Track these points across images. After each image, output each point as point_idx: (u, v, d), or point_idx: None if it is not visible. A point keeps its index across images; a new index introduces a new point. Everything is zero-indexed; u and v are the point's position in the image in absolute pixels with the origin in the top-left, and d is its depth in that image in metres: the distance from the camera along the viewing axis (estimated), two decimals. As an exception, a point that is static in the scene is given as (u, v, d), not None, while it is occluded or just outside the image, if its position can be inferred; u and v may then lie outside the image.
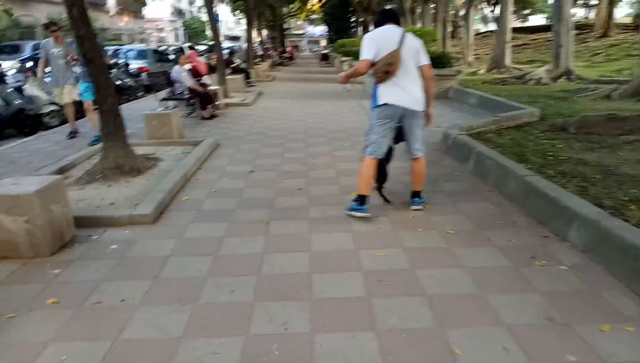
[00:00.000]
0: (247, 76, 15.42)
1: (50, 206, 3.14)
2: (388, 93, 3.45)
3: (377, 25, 3.63)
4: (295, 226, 3.55)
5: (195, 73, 10.04)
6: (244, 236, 3.39)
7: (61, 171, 4.95)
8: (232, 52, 15.75)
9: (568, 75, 12.27)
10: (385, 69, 3.39)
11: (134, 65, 14.46)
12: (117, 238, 3.38)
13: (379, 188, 3.94)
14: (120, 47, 18.25)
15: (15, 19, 22.29)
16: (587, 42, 20.94)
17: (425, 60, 3.52)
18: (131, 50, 16.87)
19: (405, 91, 3.43)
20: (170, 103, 8.65)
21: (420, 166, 3.72)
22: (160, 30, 57.56)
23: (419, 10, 26.17)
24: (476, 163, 4.83)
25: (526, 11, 49.92)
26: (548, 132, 6.18)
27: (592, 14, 36.12)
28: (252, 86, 15.26)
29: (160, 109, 7.85)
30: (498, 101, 8.76)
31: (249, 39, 17.89)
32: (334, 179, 4.72)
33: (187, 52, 11.77)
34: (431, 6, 22.83)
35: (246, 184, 4.64)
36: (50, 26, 6.66)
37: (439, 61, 10.85)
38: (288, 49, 39.15)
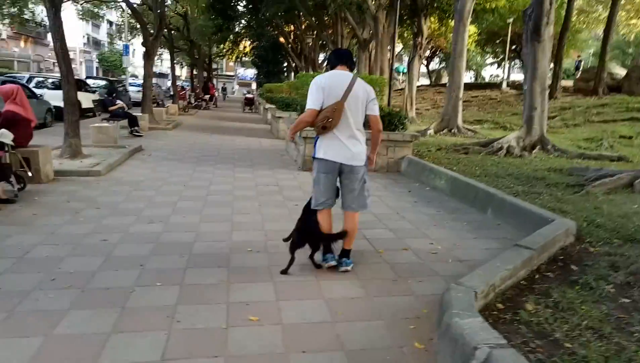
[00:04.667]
0: (133, 123, 11.52)
1: None
2: (326, 147, 3.27)
3: (330, 66, 3.40)
4: None
5: (10, 120, 6.06)
6: None
7: None
8: (111, 90, 11.74)
9: (543, 145, 9.72)
10: (323, 124, 3.18)
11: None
12: None
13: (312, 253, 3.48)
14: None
15: None
16: (533, 103, 19.38)
17: (375, 110, 3.27)
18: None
19: (344, 145, 3.22)
20: None
21: (353, 221, 3.42)
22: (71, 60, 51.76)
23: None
24: None
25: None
26: (628, 288, 3.03)
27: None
28: (138, 136, 11.35)
29: None
30: (484, 191, 5.64)
31: (145, 76, 14.02)
32: None
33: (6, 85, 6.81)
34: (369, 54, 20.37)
35: None
36: None
37: (389, 121, 7.77)
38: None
